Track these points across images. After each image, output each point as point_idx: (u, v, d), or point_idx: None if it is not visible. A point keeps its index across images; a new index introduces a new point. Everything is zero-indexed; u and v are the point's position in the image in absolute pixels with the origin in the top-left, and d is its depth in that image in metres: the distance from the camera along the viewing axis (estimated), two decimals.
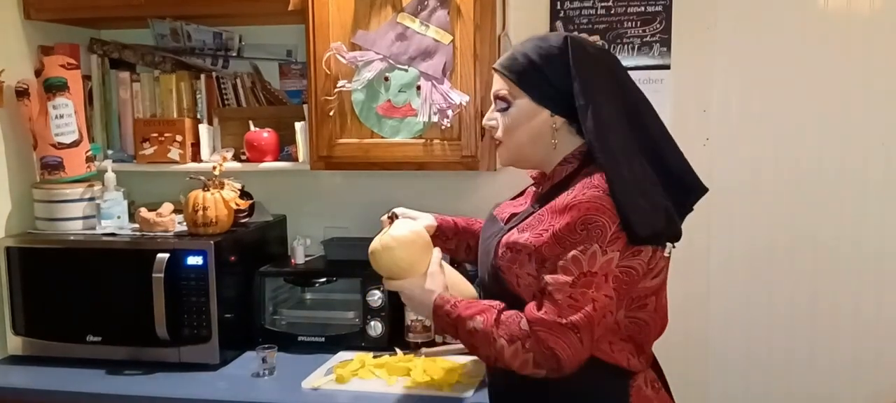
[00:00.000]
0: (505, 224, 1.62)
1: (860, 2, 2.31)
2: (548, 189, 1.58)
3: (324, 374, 2.08)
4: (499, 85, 1.60)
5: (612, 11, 2.41)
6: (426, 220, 1.83)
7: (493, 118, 1.62)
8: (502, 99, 1.59)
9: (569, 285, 1.42)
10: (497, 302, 1.53)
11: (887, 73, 2.32)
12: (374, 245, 1.66)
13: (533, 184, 1.72)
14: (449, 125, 2.16)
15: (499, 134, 1.61)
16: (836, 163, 2.37)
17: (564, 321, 1.41)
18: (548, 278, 1.45)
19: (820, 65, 2.35)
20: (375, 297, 2.24)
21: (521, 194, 1.76)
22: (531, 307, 1.47)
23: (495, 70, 1.61)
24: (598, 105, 1.49)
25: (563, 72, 1.51)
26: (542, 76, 1.54)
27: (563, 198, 1.48)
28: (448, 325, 1.57)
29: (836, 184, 2.38)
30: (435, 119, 2.16)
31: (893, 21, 2.30)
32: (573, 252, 1.43)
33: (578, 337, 1.41)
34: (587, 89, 1.50)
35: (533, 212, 1.54)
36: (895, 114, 2.32)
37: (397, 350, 2.20)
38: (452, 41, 2.14)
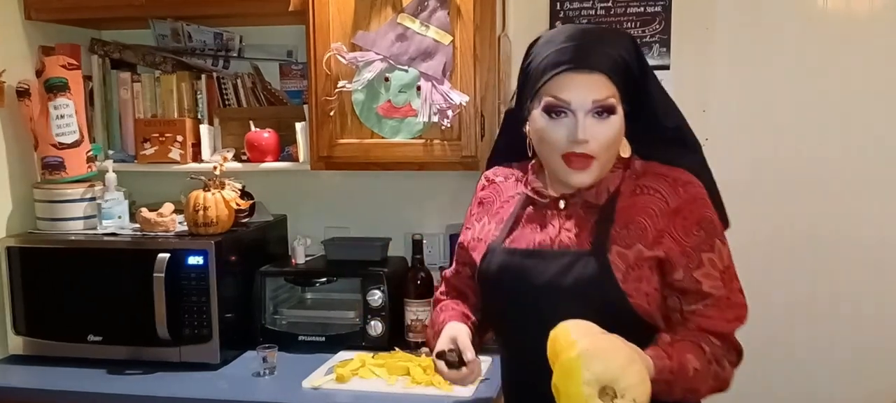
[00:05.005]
0: (575, 248, 1.40)
1: (859, 1, 2.32)
2: (605, 199, 1.43)
3: (324, 373, 2.08)
4: (602, 90, 1.35)
5: (612, 12, 2.41)
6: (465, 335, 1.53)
7: (590, 133, 1.35)
8: (609, 108, 1.36)
9: (722, 287, 1.40)
10: (685, 337, 1.39)
11: (886, 73, 2.32)
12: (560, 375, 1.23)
13: (480, 201, 1.59)
14: (449, 125, 2.17)
15: (593, 148, 1.36)
16: (836, 162, 2.37)
17: (735, 322, 1.43)
18: (704, 288, 1.38)
19: (819, 64, 2.35)
20: (375, 297, 2.25)
21: (487, 213, 1.56)
22: (709, 323, 1.39)
23: (596, 73, 1.35)
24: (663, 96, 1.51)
25: (641, 67, 1.45)
26: (631, 73, 1.41)
27: (654, 201, 1.40)
28: (671, 377, 1.33)
29: (836, 182, 2.38)
30: (435, 119, 2.16)
31: (893, 20, 2.30)
32: (706, 255, 1.39)
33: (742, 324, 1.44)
34: (655, 79, 1.50)
35: (610, 225, 1.40)
36: (894, 113, 2.33)
37: (397, 349, 2.20)
38: (452, 42, 2.14)
